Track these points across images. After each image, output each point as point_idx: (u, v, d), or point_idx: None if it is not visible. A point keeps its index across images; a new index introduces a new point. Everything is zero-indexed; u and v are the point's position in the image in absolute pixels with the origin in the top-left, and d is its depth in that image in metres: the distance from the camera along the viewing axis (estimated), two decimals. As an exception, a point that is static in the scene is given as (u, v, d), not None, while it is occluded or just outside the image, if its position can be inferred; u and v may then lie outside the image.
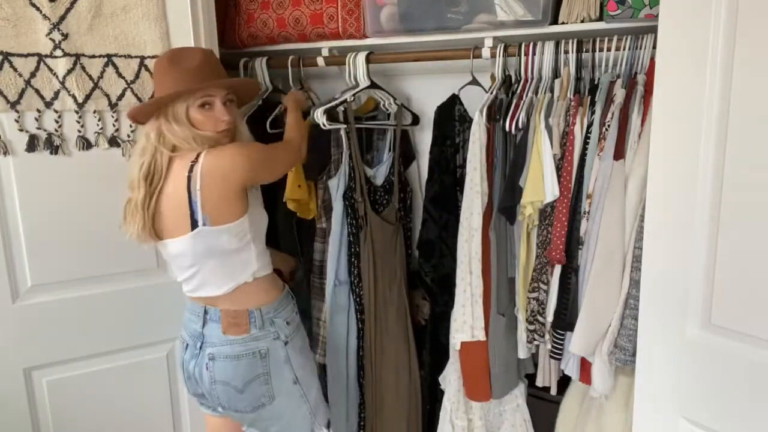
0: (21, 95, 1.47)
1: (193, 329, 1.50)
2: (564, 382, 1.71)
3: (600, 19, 1.49)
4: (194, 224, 1.36)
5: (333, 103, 1.75)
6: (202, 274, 1.44)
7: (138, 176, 1.37)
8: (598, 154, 1.41)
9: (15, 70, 1.45)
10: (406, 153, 1.99)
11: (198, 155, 1.36)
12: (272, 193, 1.79)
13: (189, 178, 1.34)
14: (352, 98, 1.79)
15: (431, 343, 1.90)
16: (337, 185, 1.80)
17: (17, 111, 1.47)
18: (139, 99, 1.60)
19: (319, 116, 1.70)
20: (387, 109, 1.90)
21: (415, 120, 1.98)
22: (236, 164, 1.37)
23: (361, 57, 1.77)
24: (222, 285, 1.45)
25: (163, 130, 1.37)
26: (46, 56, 1.48)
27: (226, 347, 1.45)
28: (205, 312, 1.47)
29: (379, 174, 1.90)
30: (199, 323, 1.48)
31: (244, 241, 1.43)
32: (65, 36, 1.49)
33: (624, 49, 1.45)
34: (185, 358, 1.52)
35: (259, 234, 1.50)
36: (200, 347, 1.47)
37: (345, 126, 1.79)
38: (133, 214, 1.39)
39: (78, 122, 1.55)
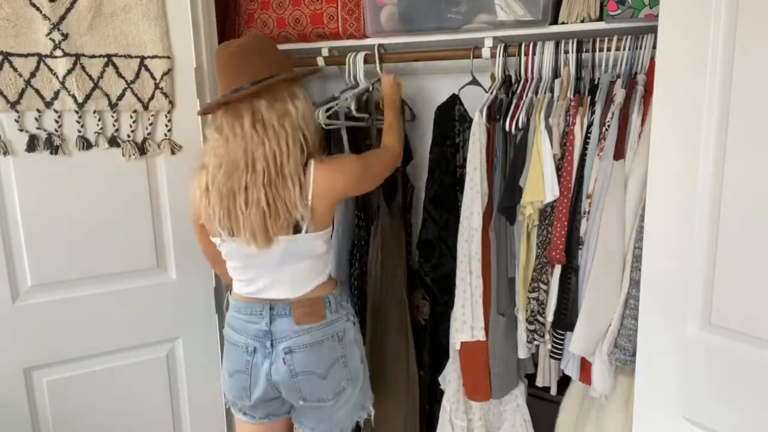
0: (21, 95, 1.47)
1: (257, 329, 1.45)
2: (564, 382, 1.71)
3: (600, 19, 1.49)
4: (296, 230, 1.38)
5: (334, 103, 1.75)
6: (284, 275, 1.43)
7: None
8: (598, 154, 1.41)
9: (15, 70, 1.45)
10: (404, 152, 1.99)
11: (307, 163, 1.37)
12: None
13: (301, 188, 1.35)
14: (348, 99, 1.80)
15: (431, 343, 1.90)
16: None
17: (17, 111, 1.47)
18: (139, 99, 1.60)
19: (321, 116, 1.70)
20: (383, 108, 1.90)
21: (413, 116, 1.98)
22: (347, 183, 1.43)
23: (361, 57, 1.78)
24: (306, 285, 1.45)
25: None
26: (46, 56, 1.48)
27: (303, 336, 1.43)
28: (271, 308, 1.44)
29: None
30: (263, 321, 1.44)
31: (329, 245, 1.49)
32: (65, 36, 1.49)
33: (624, 49, 1.45)
34: (255, 361, 1.46)
35: None
36: (271, 345, 1.44)
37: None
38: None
39: (78, 122, 1.54)
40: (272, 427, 1.60)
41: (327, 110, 1.72)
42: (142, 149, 1.63)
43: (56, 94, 1.50)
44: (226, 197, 1.35)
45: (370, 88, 1.81)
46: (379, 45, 1.77)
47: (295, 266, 1.43)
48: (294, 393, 1.46)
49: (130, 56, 1.57)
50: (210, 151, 1.39)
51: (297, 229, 1.38)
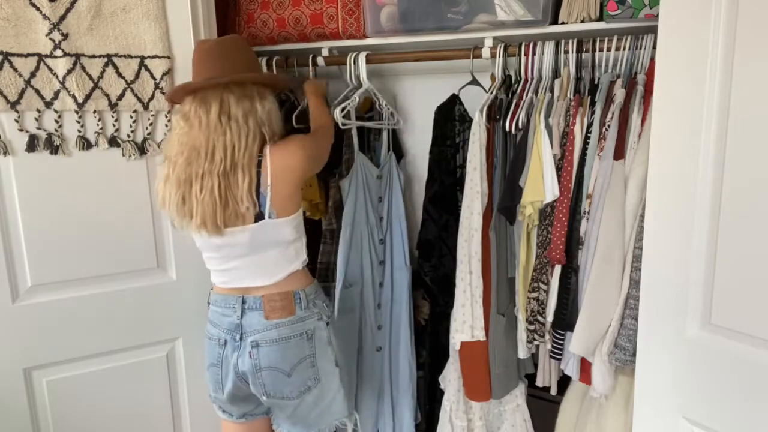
0: (21, 95, 1.47)
1: (229, 322, 1.47)
2: (564, 382, 1.71)
3: (600, 19, 1.49)
4: (259, 216, 1.40)
5: (347, 102, 1.76)
6: (255, 264, 1.45)
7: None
8: (598, 154, 1.41)
9: (15, 70, 1.45)
10: (396, 151, 2.03)
11: (261, 149, 1.40)
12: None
13: (258, 174, 1.38)
14: (357, 98, 1.80)
15: (431, 343, 1.90)
16: (348, 185, 1.80)
17: (17, 111, 1.47)
18: (139, 99, 1.60)
19: (338, 115, 1.71)
20: (380, 109, 1.91)
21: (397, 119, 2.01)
22: (302, 161, 1.43)
23: (362, 57, 1.78)
24: (277, 273, 1.46)
25: None
26: (46, 56, 1.48)
27: (271, 332, 1.44)
28: (243, 302, 1.46)
29: (383, 171, 1.93)
30: (235, 315, 1.46)
31: (300, 231, 1.51)
32: (65, 36, 1.49)
33: (624, 49, 1.45)
34: (225, 354, 1.48)
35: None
36: (240, 338, 1.46)
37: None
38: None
39: (78, 122, 1.54)
40: (251, 427, 1.62)
41: (342, 110, 1.73)
42: (142, 149, 1.63)
43: (56, 94, 1.50)
44: (183, 183, 1.38)
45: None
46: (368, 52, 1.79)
47: (265, 254, 1.45)
48: (258, 388, 1.47)
49: (130, 56, 1.57)
50: (174, 138, 1.41)
51: (260, 216, 1.40)
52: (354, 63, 1.79)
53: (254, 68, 1.50)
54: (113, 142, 1.59)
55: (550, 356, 1.62)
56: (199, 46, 1.48)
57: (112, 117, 1.58)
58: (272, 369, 1.44)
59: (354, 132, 1.81)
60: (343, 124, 1.74)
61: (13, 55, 1.44)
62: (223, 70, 1.40)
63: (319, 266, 1.88)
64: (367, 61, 1.78)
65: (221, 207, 1.36)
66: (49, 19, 1.46)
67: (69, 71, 1.50)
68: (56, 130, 1.52)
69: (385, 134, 1.94)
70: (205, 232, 1.39)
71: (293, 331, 1.46)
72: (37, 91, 1.48)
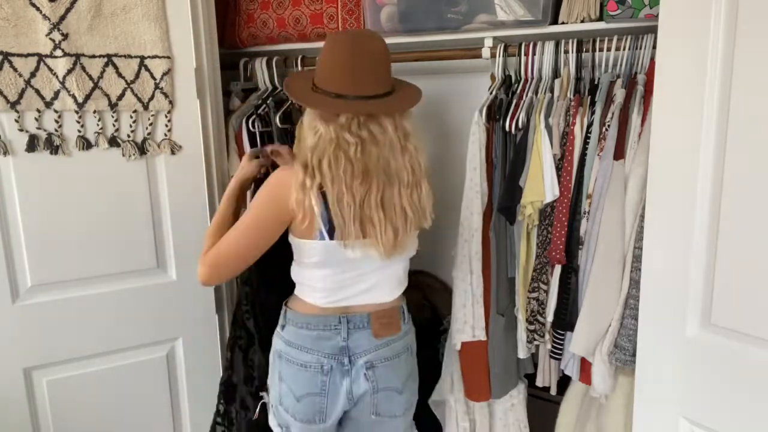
0: (21, 95, 1.47)
1: (333, 345, 1.34)
2: (564, 382, 1.70)
3: (600, 19, 1.49)
4: None
5: None
6: (381, 278, 1.36)
7: None
8: (598, 154, 1.41)
9: (15, 70, 1.45)
10: None
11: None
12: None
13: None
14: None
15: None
16: None
17: (17, 111, 1.47)
18: (139, 99, 1.60)
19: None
20: None
21: None
22: None
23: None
24: (399, 287, 1.41)
25: None
26: (46, 56, 1.48)
27: (383, 350, 1.37)
28: (348, 321, 1.35)
29: None
30: (339, 337, 1.34)
31: None
32: (65, 36, 1.49)
33: (624, 49, 1.45)
34: (332, 381, 1.35)
35: None
36: (350, 361, 1.35)
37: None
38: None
39: (78, 122, 1.54)
40: None
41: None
42: (142, 149, 1.63)
43: (56, 94, 1.50)
44: (359, 203, 1.27)
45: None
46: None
47: (398, 264, 1.38)
48: (369, 407, 1.39)
49: (130, 56, 1.57)
50: (334, 153, 1.25)
51: None
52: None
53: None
54: (113, 142, 1.59)
55: (550, 356, 1.62)
56: (353, 46, 1.25)
57: (112, 117, 1.58)
58: (387, 389, 1.38)
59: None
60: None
61: (13, 55, 1.44)
62: (386, 83, 1.27)
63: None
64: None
65: (403, 228, 1.29)
66: (49, 19, 1.46)
67: (69, 71, 1.50)
68: (56, 130, 1.52)
69: None
70: (380, 254, 1.29)
71: (403, 346, 1.41)
72: (37, 91, 1.48)
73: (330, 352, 1.35)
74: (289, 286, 1.44)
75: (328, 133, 1.24)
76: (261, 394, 1.61)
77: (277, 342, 1.42)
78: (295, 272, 1.41)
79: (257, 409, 1.60)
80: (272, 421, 1.46)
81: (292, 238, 1.35)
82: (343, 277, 1.34)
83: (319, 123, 1.26)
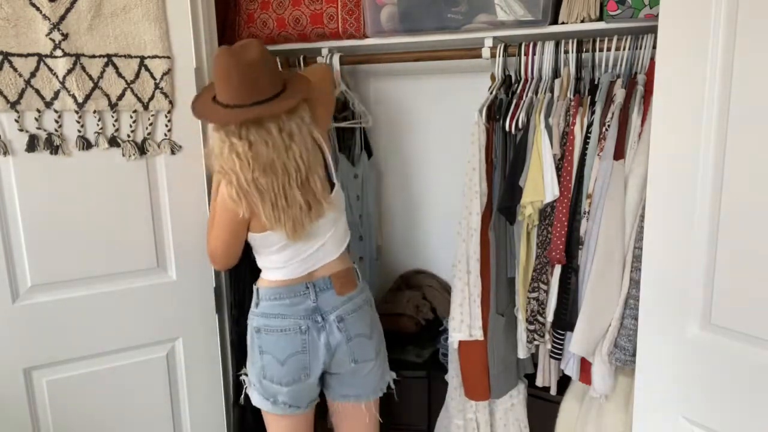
0: (21, 95, 1.46)
1: (305, 308, 1.53)
2: (564, 382, 1.71)
3: (600, 19, 1.49)
4: (332, 184, 1.51)
5: None
6: (330, 239, 1.54)
7: None
8: (598, 154, 1.41)
9: (15, 70, 1.45)
10: (366, 149, 2.10)
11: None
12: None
13: (314, 138, 1.46)
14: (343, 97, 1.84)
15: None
16: None
17: (17, 111, 1.47)
18: (139, 99, 1.60)
19: None
20: (354, 108, 1.96)
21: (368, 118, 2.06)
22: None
23: (336, 58, 1.85)
24: (340, 245, 1.58)
25: None
26: (46, 56, 1.48)
27: (348, 305, 1.55)
28: (314, 286, 1.53)
29: (358, 170, 2.03)
30: (308, 300, 1.53)
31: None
32: (65, 36, 1.48)
33: (624, 49, 1.45)
34: (310, 338, 1.52)
35: None
36: (322, 318, 1.53)
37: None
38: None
39: (78, 122, 1.54)
40: (308, 417, 1.65)
41: None
42: (142, 149, 1.63)
43: (56, 94, 1.50)
44: (266, 193, 1.44)
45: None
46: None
47: (339, 223, 1.56)
48: (347, 356, 1.55)
49: (130, 56, 1.57)
50: (234, 156, 1.43)
51: (333, 185, 1.52)
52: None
53: (279, 75, 1.47)
54: (113, 142, 1.59)
55: (550, 356, 1.62)
56: (228, 60, 1.37)
57: (112, 117, 1.58)
58: (359, 336, 1.56)
59: (333, 133, 1.84)
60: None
61: (13, 55, 1.44)
62: (265, 90, 1.39)
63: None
64: (366, 62, 1.79)
65: (307, 215, 1.45)
66: (49, 19, 1.46)
67: (69, 71, 1.50)
68: (56, 130, 1.52)
69: (356, 134, 1.99)
70: (294, 239, 1.47)
71: (362, 300, 1.60)
72: (37, 91, 1.48)
73: (304, 314, 1.52)
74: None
75: (222, 139, 1.42)
76: (239, 374, 1.71)
77: (254, 319, 1.57)
78: (260, 260, 1.59)
79: (242, 395, 1.67)
80: (255, 400, 1.60)
81: (251, 236, 1.51)
82: (302, 249, 1.52)
83: (214, 131, 1.46)
